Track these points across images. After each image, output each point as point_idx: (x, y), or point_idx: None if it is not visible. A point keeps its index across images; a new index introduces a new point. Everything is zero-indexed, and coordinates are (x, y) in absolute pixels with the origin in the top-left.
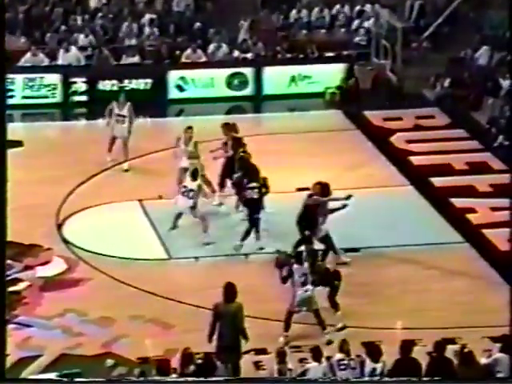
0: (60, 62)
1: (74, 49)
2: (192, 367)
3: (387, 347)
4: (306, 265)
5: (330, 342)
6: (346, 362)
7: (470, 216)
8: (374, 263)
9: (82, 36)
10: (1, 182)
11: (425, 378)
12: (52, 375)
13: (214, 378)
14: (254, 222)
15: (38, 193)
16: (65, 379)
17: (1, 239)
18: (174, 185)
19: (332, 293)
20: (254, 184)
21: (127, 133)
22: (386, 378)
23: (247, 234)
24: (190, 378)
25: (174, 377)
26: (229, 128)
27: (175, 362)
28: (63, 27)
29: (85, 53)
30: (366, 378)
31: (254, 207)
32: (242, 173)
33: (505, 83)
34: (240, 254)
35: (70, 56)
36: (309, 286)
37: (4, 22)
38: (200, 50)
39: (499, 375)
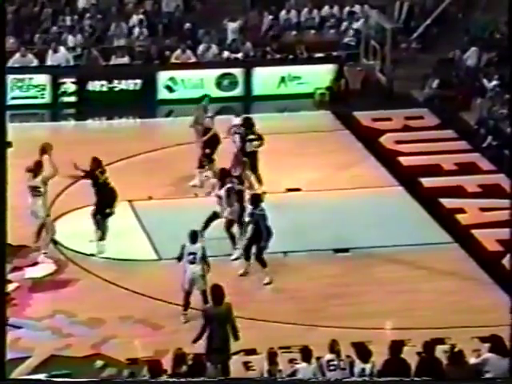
0: (49, 62)
1: (62, 49)
2: (184, 368)
3: (377, 347)
4: (197, 245)
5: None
6: (335, 362)
7: (459, 216)
8: (364, 263)
9: (70, 36)
10: (1, 182)
11: (415, 378)
12: (41, 376)
13: (204, 379)
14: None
15: (27, 193)
16: (65, 380)
17: (1, 240)
18: (163, 185)
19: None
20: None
21: None
22: (375, 379)
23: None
24: (182, 380)
25: (164, 378)
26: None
27: (165, 363)
28: (53, 28)
29: (74, 53)
30: (356, 379)
31: None
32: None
33: (489, 85)
34: (230, 255)
35: (58, 56)
36: (197, 266)
37: (4, 23)
38: (190, 50)
39: (488, 375)
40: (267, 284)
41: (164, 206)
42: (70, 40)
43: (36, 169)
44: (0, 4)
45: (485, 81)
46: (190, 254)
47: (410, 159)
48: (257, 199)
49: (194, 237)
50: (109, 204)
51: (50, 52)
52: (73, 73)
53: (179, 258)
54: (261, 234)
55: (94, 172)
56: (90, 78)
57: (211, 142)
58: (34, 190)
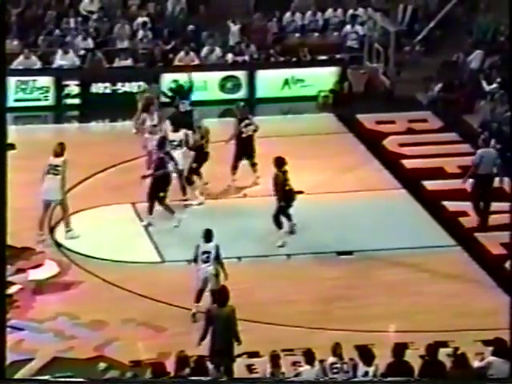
0: (59, 62)
1: (71, 51)
2: (187, 370)
3: (380, 350)
4: (211, 244)
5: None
6: (338, 365)
7: (462, 219)
8: (367, 266)
9: (79, 38)
10: (1, 185)
11: (421, 376)
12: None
13: (206, 378)
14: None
15: (31, 195)
16: (64, 379)
17: (1, 242)
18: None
19: (278, 211)
20: None
21: None
22: (380, 378)
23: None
24: (184, 379)
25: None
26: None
27: (169, 365)
28: (56, 30)
29: (78, 54)
30: (361, 378)
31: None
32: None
33: (488, 87)
34: (233, 257)
35: (67, 58)
36: (211, 265)
37: (4, 25)
38: (193, 52)
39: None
40: (280, 246)
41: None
42: (75, 42)
43: (59, 149)
44: (0, 6)
45: (484, 83)
46: (204, 253)
47: (413, 162)
48: (280, 161)
49: (208, 235)
50: (162, 188)
51: (60, 52)
52: (76, 75)
53: (195, 259)
54: (284, 195)
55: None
56: (94, 81)
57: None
58: (53, 169)
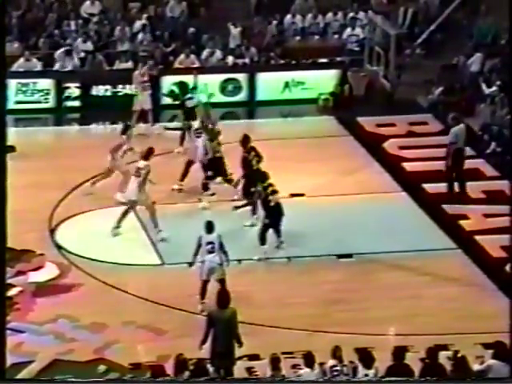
0: (69, 66)
1: (74, 54)
2: (186, 373)
3: (380, 353)
4: (213, 234)
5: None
6: (338, 368)
7: (462, 222)
8: (367, 269)
9: (80, 40)
10: (1, 187)
11: (422, 378)
12: None
13: (205, 378)
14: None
15: (31, 198)
16: (64, 379)
17: (1, 244)
18: (167, 190)
19: (263, 227)
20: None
21: None
22: (380, 378)
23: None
24: (184, 380)
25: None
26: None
27: (168, 368)
28: (57, 32)
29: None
30: (361, 378)
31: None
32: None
33: (488, 90)
34: (233, 260)
35: (72, 61)
36: (216, 255)
37: (4, 28)
38: (194, 55)
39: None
40: (259, 260)
41: (167, 211)
42: (77, 44)
43: (145, 153)
44: (0, 8)
45: (484, 86)
46: (209, 243)
47: (413, 165)
48: (263, 176)
49: (209, 227)
50: (254, 183)
51: (64, 55)
52: (77, 77)
53: (197, 249)
54: (268, 212)
55: (248, 154)
56: (95, 83)
57: None
58: (137, 171)
